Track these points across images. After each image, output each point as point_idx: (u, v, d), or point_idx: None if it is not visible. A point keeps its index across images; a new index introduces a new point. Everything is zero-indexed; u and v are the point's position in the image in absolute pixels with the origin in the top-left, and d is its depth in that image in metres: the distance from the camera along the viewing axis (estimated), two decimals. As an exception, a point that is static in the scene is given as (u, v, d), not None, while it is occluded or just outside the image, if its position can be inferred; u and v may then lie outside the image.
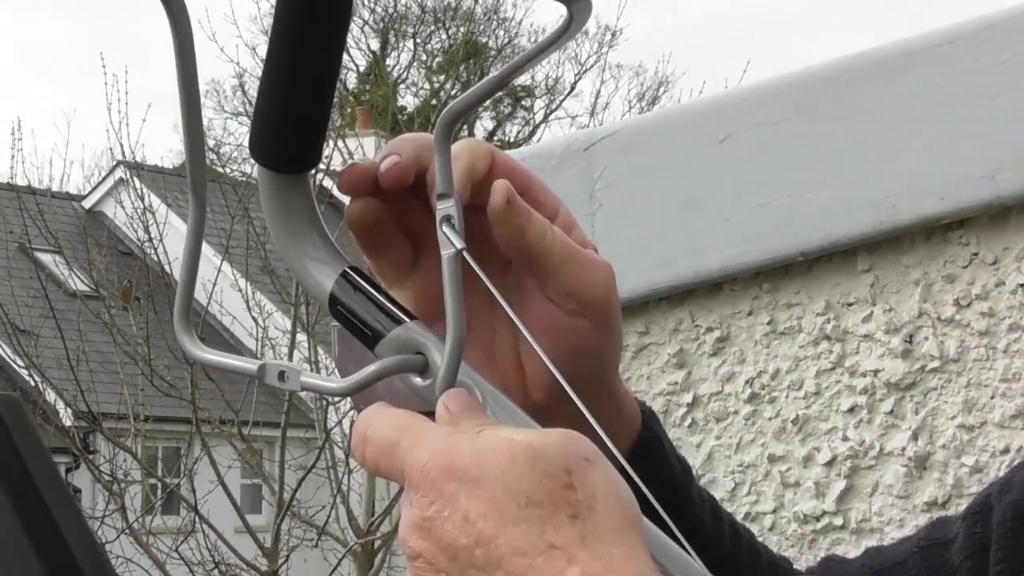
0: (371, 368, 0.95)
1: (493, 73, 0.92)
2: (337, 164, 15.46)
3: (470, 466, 0.82)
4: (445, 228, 0.93)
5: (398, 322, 0.99)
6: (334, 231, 1.04)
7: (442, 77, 31.50)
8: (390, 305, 1.00)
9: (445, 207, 0.94)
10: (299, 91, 0.96)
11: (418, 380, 0.97)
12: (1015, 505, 1.14)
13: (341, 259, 1.02)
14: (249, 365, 0.98)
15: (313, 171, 1.02)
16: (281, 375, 0.96)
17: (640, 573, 0.80)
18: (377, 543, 13.38)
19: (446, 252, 0.92)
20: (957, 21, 2.05)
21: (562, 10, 0.89)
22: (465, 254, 0.93)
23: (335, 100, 1.01)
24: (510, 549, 0.80)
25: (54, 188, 20.70)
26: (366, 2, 31.12)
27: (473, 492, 0.82)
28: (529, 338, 0.93)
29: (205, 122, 1.00)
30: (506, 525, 0.81)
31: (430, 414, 0.93)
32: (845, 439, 2.33)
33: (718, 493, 2.58)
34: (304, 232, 1.01)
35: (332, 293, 1.01)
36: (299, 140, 0.98)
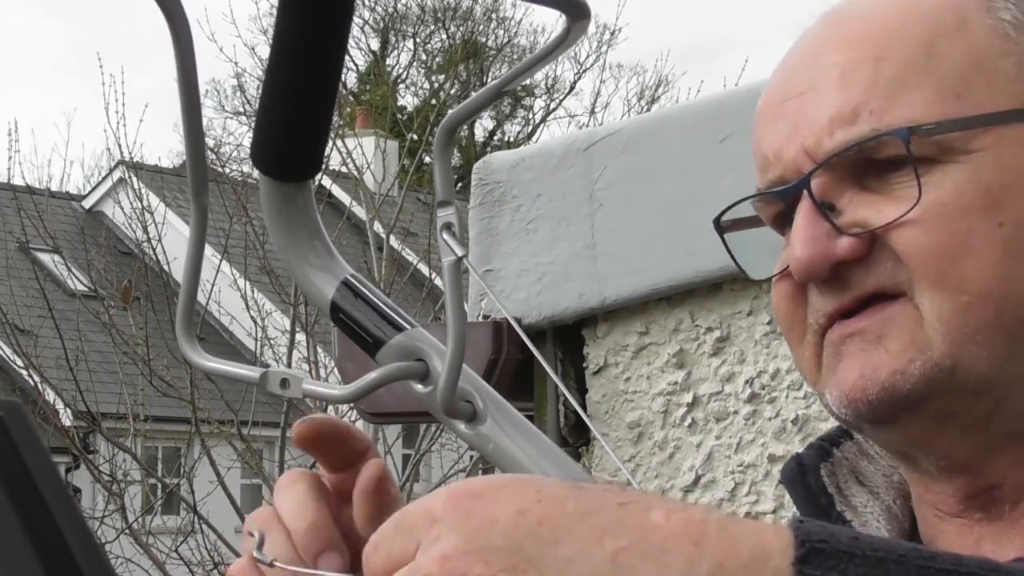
0: (373, 375, 0.95)
1: (494, 78, 0.93)
2: (336, 163, 15.44)
3: None
4: (445, 235, 0.93)
5: (399, 329, 0.99)
6: (333, 232, 1.04)
7: (441, 77, 31.51)
8: (391, 312, 1.00)
9: (446, 215, 0.94)
10: (300, 100, 0.96)
11: (419, 387, 0.98)
12: None
13: (342, 266, 1.02)
14: (251, 372, 0.98)
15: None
16: (283, 382, 0.97)
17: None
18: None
19: (447, 259, 0.93)
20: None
21: (560, 14, 0.90)
22: (465, 260, 0.93)
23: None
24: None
25: (54, 188, 20.71)
26: (366, 2, 31.13)
27: None
28: (541, 360, 0.93)
29: (205, 122, 1.01)
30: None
31: (430, 416, 0.94)
32: (845, 439, 2.33)
33: (718, 493, 2.59)
34: (305, 239, 1.01)
35: (333, 300, 1.01)
36: (300, 148, 0.98)
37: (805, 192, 1.13)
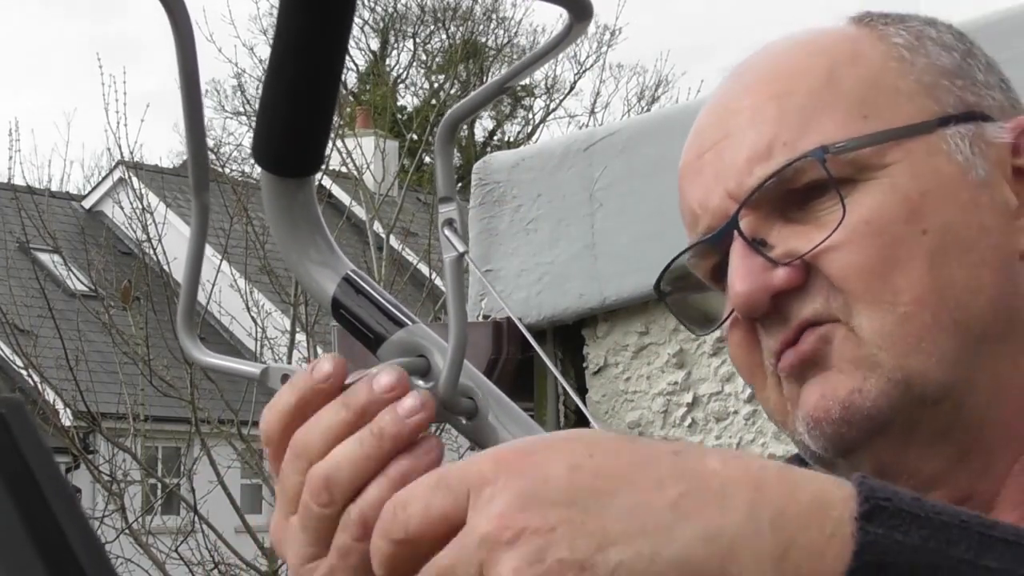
0: (374, 371, 0.96)
1: (494, 78, 0.93)
2: (336, 163, 15.46)
3: None
4: (447, 231, 0.93)
5: (401, 325, 0.99)
6: (333, 232, 1.05)
7: (441, 77, 31.52)
8: (392, 308, 1.00)
9: (447, 211, 0.94)
10: (302, 96, 0.96)
11: (420, 382, 0.98)
12: None
13: (343, 262, 1.02)
14: (252, 369, 0.99)
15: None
16: (284, 378, 0.97)
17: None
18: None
19: (448, 255, 0.93)
20: (957, 20, 2.06)
21: (563, 12, 0.90)
22: (467, 256, 0.94)
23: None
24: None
25: (54, 188, 20.70)
26: (366, 2, 31.13)
27: None
28: (540, 352, 0.94)
29: (204, 122, 1.01)
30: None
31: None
32: (845, 439, 2.33)
33: (718, 493, 2.59)
34: (306, 235, 1.02)
35: (335, 296, 1.02)
36: (302, 144, 0.98)
37: (736, 233, 1.16)
